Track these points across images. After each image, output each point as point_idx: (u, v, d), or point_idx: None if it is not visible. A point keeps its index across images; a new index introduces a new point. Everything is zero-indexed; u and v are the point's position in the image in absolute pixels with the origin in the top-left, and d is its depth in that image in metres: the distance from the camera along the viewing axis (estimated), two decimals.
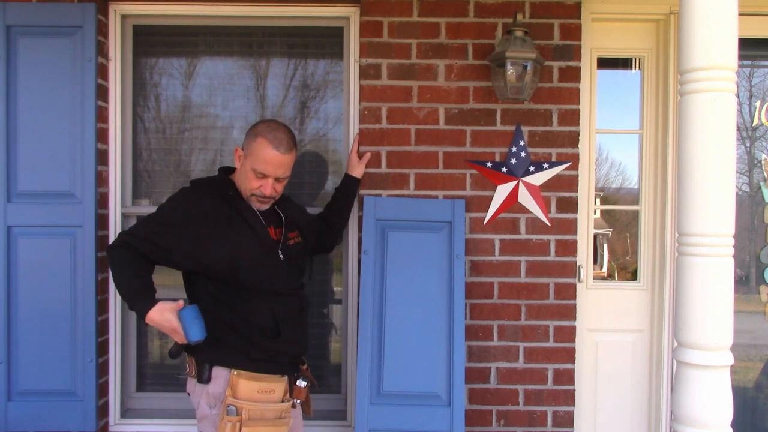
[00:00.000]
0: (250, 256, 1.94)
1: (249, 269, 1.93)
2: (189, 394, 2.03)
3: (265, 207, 2.02)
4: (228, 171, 2.10)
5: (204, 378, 1.93)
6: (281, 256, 2.02)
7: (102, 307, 2.55)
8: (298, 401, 2.07)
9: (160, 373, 2.76)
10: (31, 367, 2.48)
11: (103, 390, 2.57)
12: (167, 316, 1.87)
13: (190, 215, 1.92)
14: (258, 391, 1.91)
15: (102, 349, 2.55)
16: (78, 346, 2.48)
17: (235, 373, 1.90)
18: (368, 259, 2.44)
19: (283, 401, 1.97)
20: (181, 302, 1.92)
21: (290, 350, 2.03)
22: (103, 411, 2.57)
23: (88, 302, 2.47)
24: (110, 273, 1.98)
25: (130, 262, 1.91)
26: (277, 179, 1.98)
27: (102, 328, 2.55)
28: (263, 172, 1.94)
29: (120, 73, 2.63)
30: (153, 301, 1.89)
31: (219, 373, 1.92)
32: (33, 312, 2.47)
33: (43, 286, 2.47)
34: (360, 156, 2.51)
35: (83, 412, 2.48)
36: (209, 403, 1.92)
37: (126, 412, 2.68)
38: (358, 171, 2.48)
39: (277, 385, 1.96)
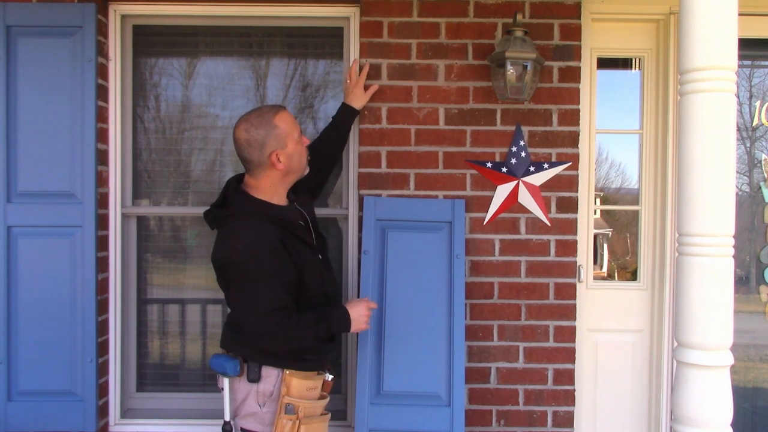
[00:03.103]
0: (310, 265, 1.97)
1: (311, 279, 1.97)
2: (232, 390, 2.01)
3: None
4: (239, 180, 2.04)
5: (254, 377, 1.94)
6: (319, 256, 2.05)
7: (102, 307, 2.55)
8: (327, 395, 2.10)
9: (160, 373, 2.76)
10: (31, 367, 2.48)
11: (103, 390, 2.57)
12: (359, 308, 2.01)
13: (276, 249, 1.88)
14: (307, 389, 1.95)
15: (102, 349, 2.55)
16: (78, 346, 2.48)
17: (288, 372, 1.93)
18: (368, 259, 2.44)
19: (320, 398, 2.03)
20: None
21: (333, 349, 2.12)
22: (103, 411, 2.57)
23: (88, 302, 2.47)
24: (293, 340, 1.92)
25: (296, 321, 1.89)
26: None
27: (102, 328, 2.55)
28: (299, 129, 2.02)
29: (120, 73, 2.63)
30: (339, 309, 2.00)
31: (269, 372, 1.94)
32: (33, 312, 2.47)
33: (43, 286, 2.47)
34: (366, 88, 2.47)
35: (83, 412, 2.48)
36: (258, 401, 1.95)
37: (126, 412, 2.68)
38: (361, 101, 2.45)
39: (318, 382, 2.01)
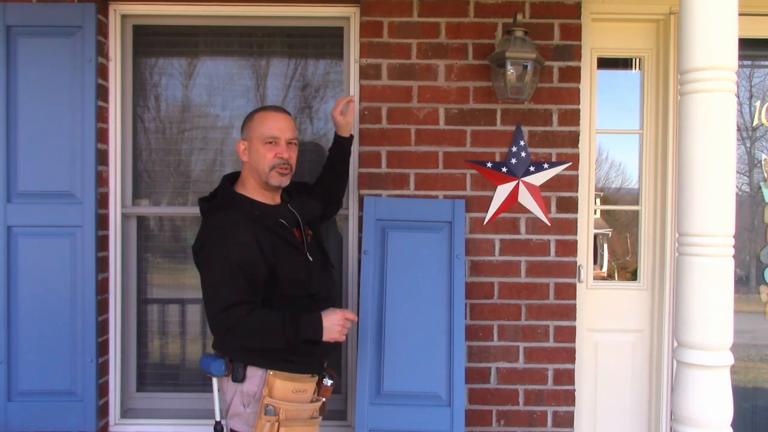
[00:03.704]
0: (289, 264, 1.95)
1: (291, 277, 1.95)
2: (221, 390, 2.02)
3: (286, 180, 2.02)
4: (231, 180, 2.08)
5: (239, 377, 1.93)
6: (310, 258, 2.03)
7: (102, 307, 2.55)
8: (324, 400, 2.08)
9: (160, 373, 2.76)
10: (31, 367, 2.48)
11: (103, 390, 2.57)
12: (334, 317, 1.93)
13: (245, 243, 1.88)
14: (293, 391, 1.93)
15: (102, 349, 2.55)
16: (78, 346, 2.48)
17: (272, 373, 1.91)
18: (368, 259, 2.44)
19: (312, 401, 2.00)
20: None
21: (325, 353, 2.06)
22: (103, 411, 2.57)
23: (88, 302, 2.47)
24: (256, 340, 1.90)
25: (261, 318, 1.87)
26: (288, 143, 2.01)
27: (102, 328, 2.55)
28: (272, 135, 1.98)
29: (120, 73, 2.63)
30: (312, 314, 1.92)
31: (254, 372, 1.93)
32: (33, 312, 2.47)
33: (43, 286, 2.47)
34: (343, 112, 2.35)
35: (83, 412, 2.48)
36: (243, 401, 1.94)
37: (126, 412, 2.68)
38: (346, 129, 2.39)
39: (308, 385, 1.98)
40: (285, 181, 2.02)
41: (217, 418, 2.06)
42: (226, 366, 1.95)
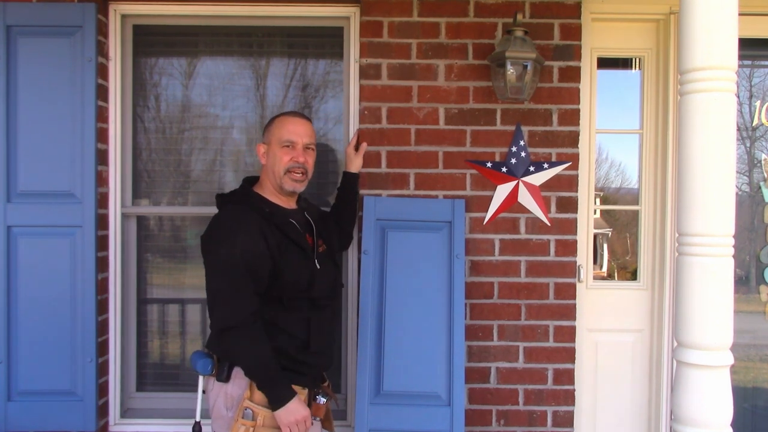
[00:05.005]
0: (294, 265, 1.93)
1: (293, 279, 1.92)
2: (206, 390, 2.00)
3: (300, 186, 2.02)
4: (251, 182, 2.09)
5: (223, 376, 1.90)
6: (317, 265, 2.01)
7: (102, 307, 2.55)
8: (317, 419, 2.01)
9: (160, 373, 2.76)
10: (31, 367, 2.48)
11: (103, 390, 2.57)
12: (301, 411, 1.86)
13: (252, 235, 1.87)
14: None
15: (102, 349, 2.56)
16: (78, 346, 2.48)
17: None
18: (368, 259, 2.44)
19: None
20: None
21: (317, 362, 2.01)
22: (103, 411, 2.57)
23: (88, 302, 2.48)
24: (241, 356, 1.87)
25: (259, 344, 1.84)
26: (305, 148, 2.03)
27: (102, 328, 2.55)
28: (289, 139, 2.00)
29: (120, 73, 2.63)
30: (290, 392, 1.86)
31: (239, 373, 1.89)
32: (33, 312, 2.47)
33: (43, 286, 2.47)
34: (356, 148, 2.49)
35: (83, 412, 2.48)
36: (226, 404, 1.90)
37: (126, 412, 2.68)
38: (356, 165, 2.45)
39: None
40: (299, 187, 2.03)
41: (197, 418, 2.02)
42: (213, 365, 1.92)
